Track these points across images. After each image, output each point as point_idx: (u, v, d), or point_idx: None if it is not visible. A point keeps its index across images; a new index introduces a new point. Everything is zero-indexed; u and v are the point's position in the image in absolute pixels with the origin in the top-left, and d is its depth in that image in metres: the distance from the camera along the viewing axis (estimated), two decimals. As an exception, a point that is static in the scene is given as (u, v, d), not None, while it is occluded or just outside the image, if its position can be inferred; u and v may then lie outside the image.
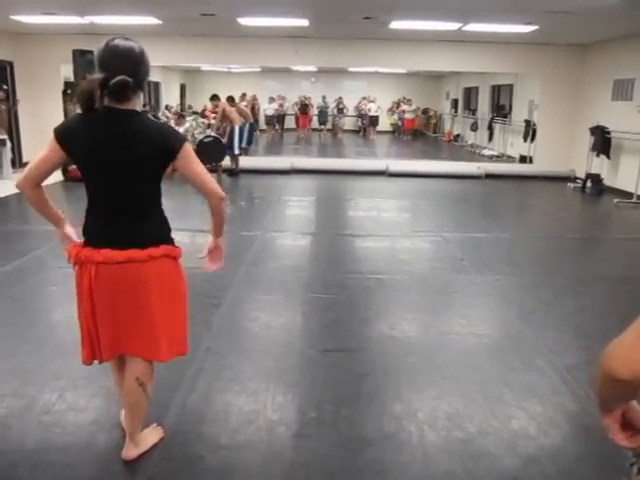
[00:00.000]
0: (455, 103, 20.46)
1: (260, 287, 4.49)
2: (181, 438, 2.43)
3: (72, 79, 10.00)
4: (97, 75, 1.91)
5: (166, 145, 1.98)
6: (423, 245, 6.05)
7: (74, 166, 2.06)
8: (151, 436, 2.37)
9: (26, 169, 2.02)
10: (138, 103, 2.05)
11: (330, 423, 2.56)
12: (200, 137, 9.85)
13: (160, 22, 9.07)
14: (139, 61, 1.98)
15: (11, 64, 10.38)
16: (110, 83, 1.88)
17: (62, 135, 1.98)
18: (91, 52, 10.59)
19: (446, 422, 2.59)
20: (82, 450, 2.34)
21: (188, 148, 2.03)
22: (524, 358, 3.30)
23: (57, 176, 8.98)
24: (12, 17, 8.73)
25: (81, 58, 9.12)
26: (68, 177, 8.58)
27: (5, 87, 9.91)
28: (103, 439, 2.40)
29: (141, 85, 2.01)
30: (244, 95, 12.62)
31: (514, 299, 4.31)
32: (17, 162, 10.05)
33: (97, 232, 2.06)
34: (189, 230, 6.43)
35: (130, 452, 2.26)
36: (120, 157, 1.96)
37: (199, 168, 2.07)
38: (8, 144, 9.46)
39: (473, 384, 2.96)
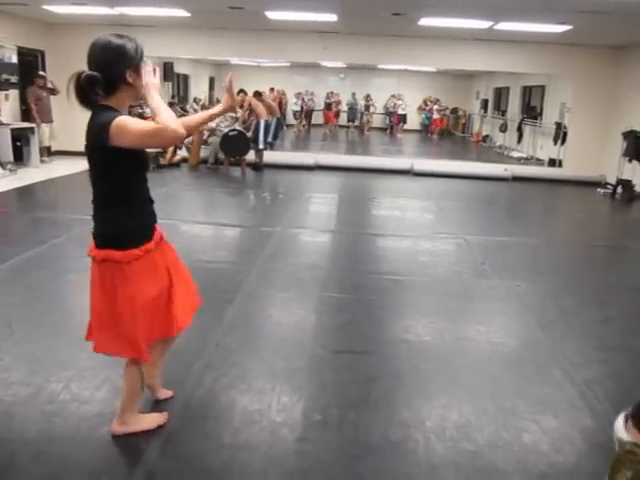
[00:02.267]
0: (485, 103, 20.13)
1: (275, 284, 4.44)
2: (183, 434, 2.40)
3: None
4: (77, 71, 1.95)
5: (98, 132, 1.90)
6: (444, 247, 5.94)
7: None
8: (146, 420, 2.41)
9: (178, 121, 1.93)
10: (126, 99, 2.04)
11: (335, 427, 2.50)
12: (225, 130, 9.87)
13: (188, 14, 9.08)
14: (114, 55, 1.94)
15: (42, 53, 10.53)
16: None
17: None
18: (121, 43, 10.69)
19: (455, 432, 2.50)
20: (82, 442, 2.32)
21: (119, 121, 1.87)
22: (541, 369, 3.19)
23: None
24: (44, 7, 8.84)
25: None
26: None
27: (43, 74, 9.96)
28: (105, 432, 2.37)
29: (121, 79, 1.97)
30: (272, 90, 12.62)
31: (534, 306, 4.19)
32: (45, 151, 10.17)
33: None
34: (212, 224, 6.44)
35: (115, 427, 2.35)
36: (86, 153, 2.02)
37: (137, 125, 1.89)
38: (36, 132, 9.58)
39: (486, 394, 2.87)
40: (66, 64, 10.28)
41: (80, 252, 2.20)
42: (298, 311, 3.90)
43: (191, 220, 6.44)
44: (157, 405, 2.59)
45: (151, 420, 2.43)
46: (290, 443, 2.37)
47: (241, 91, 10.60)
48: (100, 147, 1.91)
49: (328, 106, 20.46)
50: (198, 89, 20.50)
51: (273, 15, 8.79)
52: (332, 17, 8.76)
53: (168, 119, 1.85)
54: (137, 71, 2.00)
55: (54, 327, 3.43)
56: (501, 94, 18.82)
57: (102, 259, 2.04)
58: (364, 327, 3.67)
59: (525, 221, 7.90)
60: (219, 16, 9.22)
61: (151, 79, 2.00)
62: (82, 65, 1.98)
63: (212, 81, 22.92)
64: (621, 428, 1.08)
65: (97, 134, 1.89)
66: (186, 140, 10.74)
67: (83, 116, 2.06)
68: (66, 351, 3.07)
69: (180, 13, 9.00)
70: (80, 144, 2.09)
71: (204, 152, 10.60)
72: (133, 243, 2.07)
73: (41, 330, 3.37)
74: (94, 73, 1.89)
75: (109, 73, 1.93)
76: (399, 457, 2.32)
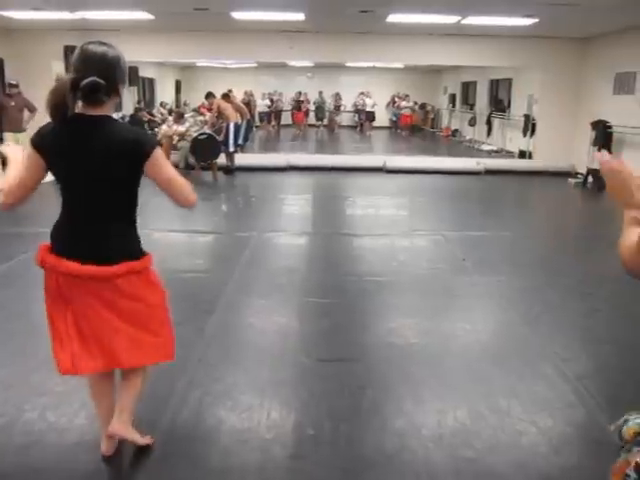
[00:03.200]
0: (453, 98, 20.27)
1: (255, 291, 4.32)
2: (170, 460, 2.28)
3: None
4: (67, 76, 1.87)
5: (135, 150, 1.90)
6: (423, 244, 5.90)
7: None
8: (137, 435, 2.26)
9: (6, 190, 1.96)
10: (112, 109, 1.99)
11: (328, 442, 2.40)
12: (195, 135, 9.68)
13: (152, 17, 8.88)
14: (112, 65, 1.93)
15: (1, 61, 10.18)
16: (81, 85, 1.84)
17: (37, 143, 1.94)
18: (83, 48, 10.38)
19: (452, 439, 2.43)
20: (63, 475, 2.18)
21: (159, 153, 1.94)
22: (532, 366, 3.14)
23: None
24: (1, 13, 8.54)
25: (73, 55, 8.89)
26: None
27: (14, 82, 9.39)
28: (85, 461, 2.23)
29: (115, 90, 1.95)
30: (230, 91, 12.00)
31: (519, 302, 4.16)
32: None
33: (64, 241, 2.00)
34: (185, 231, 6.27)
35: (116, 426, 2.15)
36: (87, 165, 1.90)
37: (171, 173, 1.98)
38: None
39: (479, 395, 2.80)
40: (26, 71, 10.05)
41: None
42: (279, 319, 3.79)
43: (164, 228, 6.25)
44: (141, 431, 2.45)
45: (143, 438, 2.28)
46: (283, 461, 2.27)
47: (209, 94, 10.42)
48: (134, 162, 1.90)
49: (298, 106, 20.33)
50: (164, 93, 20.19)
51: (239, 15, 8.66)
52: (299, 16, 8.66)
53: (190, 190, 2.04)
54: (124, 84, 2.01)
55: (25, 349, 3.25)
56: (469, 88, 18.97)
57: (123, 273, 1.98)
58: (348, 332, 3.58)
59: (501, 214, 7.92)
60: (184, 18, 9.04)
61: None
62: (43, 72, 1.89)
63: (178, 84, 22.61)
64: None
65: (136, 149, 1.89)
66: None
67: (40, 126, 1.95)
68: (39, 375, 2.90)
69: (144, 16, 8.80)
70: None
71: (174, 157, 10.38)
72: (143, 251, 2.09)
73: (11, 353, 3.20)
74: (99, 80, 1.84)
75: (110, 80, 1.90)
76: (397, 469, 2.23)
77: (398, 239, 6.04)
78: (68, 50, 8.90)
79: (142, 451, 2.28)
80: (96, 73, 1.84)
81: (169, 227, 6.36)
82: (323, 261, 5.19)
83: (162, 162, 1.94)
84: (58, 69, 9.99)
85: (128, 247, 2.04)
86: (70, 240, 1.99)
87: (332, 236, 6.12)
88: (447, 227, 6.52)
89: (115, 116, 2.04)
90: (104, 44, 1.93)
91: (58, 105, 1.85)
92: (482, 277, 4.73)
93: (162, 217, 7.02)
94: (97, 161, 1.88)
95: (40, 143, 1.93)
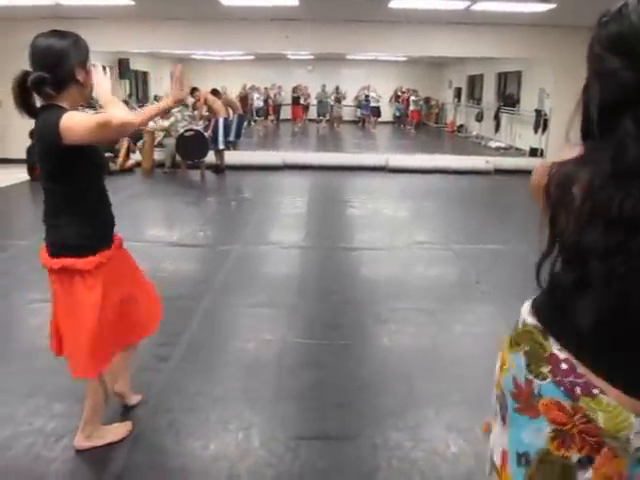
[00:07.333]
0: (458, 92, 19.44)
1: (225, 329, 3.56)
2: None
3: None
4: (20, 73, 1.91)
5: (49, 131, 1.86)
6: (429, 262, 5.11)
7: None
8: (110, 433, 2.31)
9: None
10: (68, 100, 1.94)
11: None
12: (181, 131, 8.91)
13: (132, 3, 8.09)
14: (59, 57, 1.91)
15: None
16: (27, 80, 1.88)
17: None
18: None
19: None
20: None
21: (66, 116, 1.83)
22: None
23: (23, 177, 8.07)
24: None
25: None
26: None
27: None
28: None
29: (64, 81, 1.92)
30: (216, 92, 10.82)
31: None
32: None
33: (107, 230, 2.15)
34: (157, 242, 5.49)
35: (79, 442, 2.25)
36: (35, 154, 2.00)
37: (84, 118, 1.85)
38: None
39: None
40: (4, 64, 9.26)
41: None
42: (253, 373, 3.00)
43: (133, 238, 5.47)
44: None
45: (115, 432, 2.33)
46: None
47: (194, 90, 9.60)
48: (52, 147, 1.89)
49: (296, 101, 19.49)
50: (159, 87, 19.37)
51: (227, 1, 7.86)
52: (293, 1, 7.85)
53: (114, 109, 1.88)
54: (85, 68, 1.97)
55: None
56: (475, 82, 18.14)
57: (59, 268, 1.99)
58: (339, 391, 2.80)
59: (517, 222, 7.10)
60: (167, 4, 8.24)
61: (101, 77, 2.00)
62: (13, 65, 1.96)
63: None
64: (526, 311, 1.15)
65: (48, 133, 1.88)
66: (138, 143, 9.79)
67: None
68: None
69: (123, 2, 8.01)
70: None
71: (160, 155, 9.62)
72: (87, 250, 2.00)
73: None
74: (42, 73, 1.86)
75: (57, 72, 1.89)
76: None
77: (401, 254, 5.27)
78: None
79: None
80: (40, 67, 1.87)
81: (139, 236, 5.50)
82: (314, 285, 4.41)
83: (73, 121, 1.82)
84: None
85: (61, 241, 2.09)
86: (108, 227, 2.15)
87: (327, 251, 5.34)
88: (457, 238, 5.74)
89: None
90: (55, 35, 1.92)
91: (16, 98, 1.91)
92: (501, 306, 3.94)
93: (136, 224, 6.25)
94: (36, 149, 1.97)
95: None
